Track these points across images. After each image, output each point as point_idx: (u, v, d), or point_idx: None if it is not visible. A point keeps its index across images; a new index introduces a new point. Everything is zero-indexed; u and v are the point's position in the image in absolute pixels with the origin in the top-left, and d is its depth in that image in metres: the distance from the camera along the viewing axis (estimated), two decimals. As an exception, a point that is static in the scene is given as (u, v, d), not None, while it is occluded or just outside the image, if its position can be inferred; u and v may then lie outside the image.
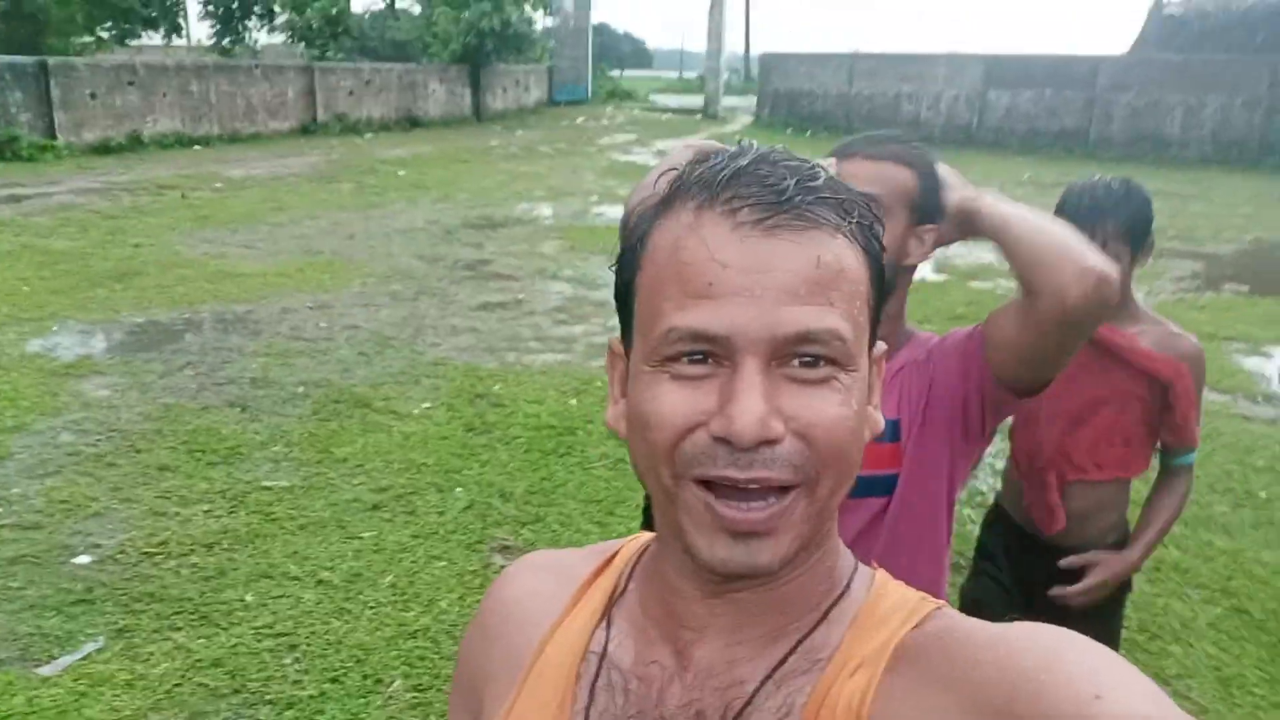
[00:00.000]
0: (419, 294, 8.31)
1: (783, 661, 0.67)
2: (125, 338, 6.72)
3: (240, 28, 37.58)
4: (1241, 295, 8.88)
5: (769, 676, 0.66)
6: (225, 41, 37.91)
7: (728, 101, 29.77)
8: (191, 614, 3.44)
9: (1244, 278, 9.58)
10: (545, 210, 13.15)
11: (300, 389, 5.78)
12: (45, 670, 3.09)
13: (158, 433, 5.02)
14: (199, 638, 3.28)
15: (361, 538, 4.02)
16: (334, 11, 28.31)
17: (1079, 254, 1.37)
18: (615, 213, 13.31)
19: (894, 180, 1.47)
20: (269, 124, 19.93)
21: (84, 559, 3.78)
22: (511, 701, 0.74)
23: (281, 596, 3.57)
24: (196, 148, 18.16)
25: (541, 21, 27.49)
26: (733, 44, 31.51)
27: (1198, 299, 8.65)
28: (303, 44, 28.11)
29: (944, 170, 1.54)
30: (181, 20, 39.50)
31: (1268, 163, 19.70)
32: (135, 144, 17.30)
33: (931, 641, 0.64)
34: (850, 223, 0.64)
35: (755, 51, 44.25)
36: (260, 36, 38.41)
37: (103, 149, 16.76)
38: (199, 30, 42.87)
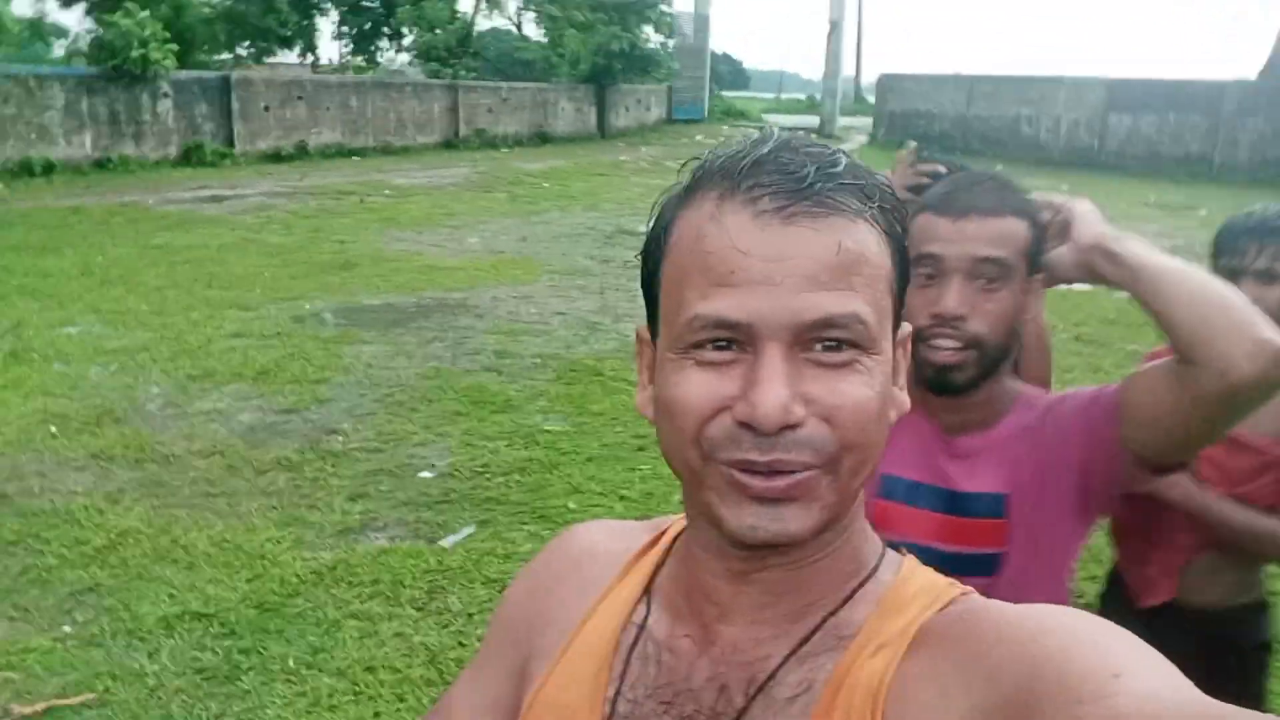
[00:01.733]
0: (603, 288, 9.19)
1: (806, 639, 0.68)
2: (372, 316, 7.73)
3: (373, 48, 39.56)
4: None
5: (792, 653, 0.68)
6: (360, 60, 39.93)
7: (842, 121, 30.37)
8: (531, 513, 4.30)
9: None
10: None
11: (537, 360, 6.67)
12: (444, 542, 3.98)
13: (438, 388, 5.96)
14: (545, 529, 4.14)
15: (640, 468, 4.85)
16: (461, 33, 29.85)
17: (1252, 324, 1.17)
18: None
19: (1015, 237, 1.30)
20: (417, 138, 21.27)
21: (427, 474, 4.68)
22: (557, 660, 0.77)
23: (596, 506, 4.41)
24: (355, 158, 19.56)
25: (662, 42, 28.51)
26: (843, 67, 32.17)
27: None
28: (434, 63, 29.62)
29: (1077, 204, 1.37)
30: (316, 40, 41.65)
31: (1401, 189, 19.54)
32: (302, 153, 18.75)
33: (953, 623, 0.65)
34: (872, 207, 0.64)
35: (865, 74, 44.92)
36: (390, 55, 40.35)
37: (274, 157, 18.23)
38: (329, 49, 45.08)
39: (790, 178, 0.62)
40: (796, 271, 0.61)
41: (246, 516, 4.11)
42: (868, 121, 30.90)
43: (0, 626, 3.22)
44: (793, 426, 0.61)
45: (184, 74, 17.27)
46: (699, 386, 0.63)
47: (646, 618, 0.75)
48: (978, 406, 1.38)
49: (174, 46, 16.59)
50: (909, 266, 0.69)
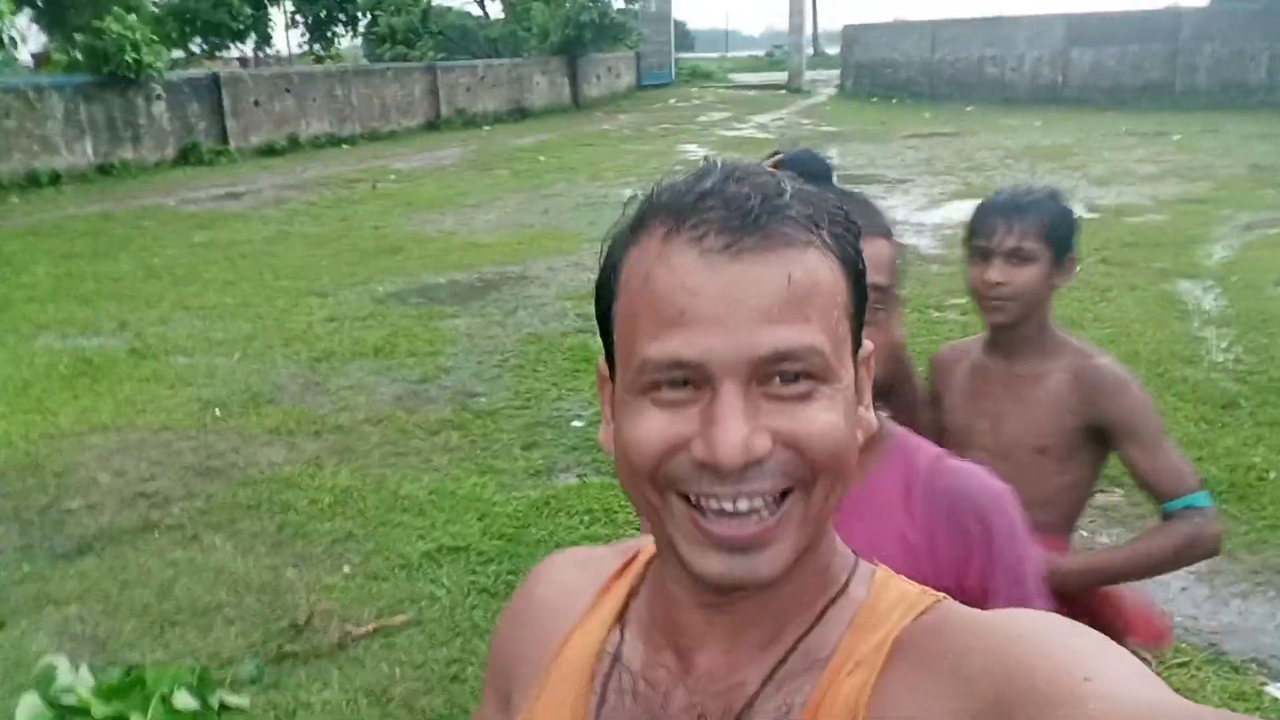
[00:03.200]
0: (645, 251, 9.64)
1: (781, 663, 0.68)
2: (445, 293, 8.13)
3: (329, 34, 39.26)
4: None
5: (768, 679, 0.67)
6: (315, 48, 39.61)
7: (809, 75, 30.80)
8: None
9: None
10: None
11: (620, 319, 7.13)
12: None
13: (545, 350, 6.41)
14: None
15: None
16: (420, 14, 29.86)
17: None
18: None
19: (885, 260, 1.24)
20: (401, 122, 21.45)
21: (578, 423, 5.15)
22: (535, 696, 0.76)
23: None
24: (344, 146, 19.73)
25: (628, 9, 28.73)
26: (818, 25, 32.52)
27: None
28: (400, 46, 29.60)
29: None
30: (270, 30, 41.20)
31: (1356, 102, 20.41)
32: (294, 145, 18.89)
33: (927, 634, 0.64)
34: (821, 234, 0.63)
35: (821, 27, 45.37)
36: (344, 42, 40.06)
37: (268, 151, 18.37)
38: (282, 39, 44.55)
39: (735, 213, 0.61)
40: (747, 307, 0.60)
41: (444, 469, 4.56)
42: (833, 74, 31.36)
43: (292, 572, 3.66)
44: (758, 461, 0.60)
45: (174, 75, 17.35)
46: (654, 425, 0.62)
47: (620, 646, 0.74)
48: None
49: (162, 48, 16.66)
50: (866, 286, 0.68)
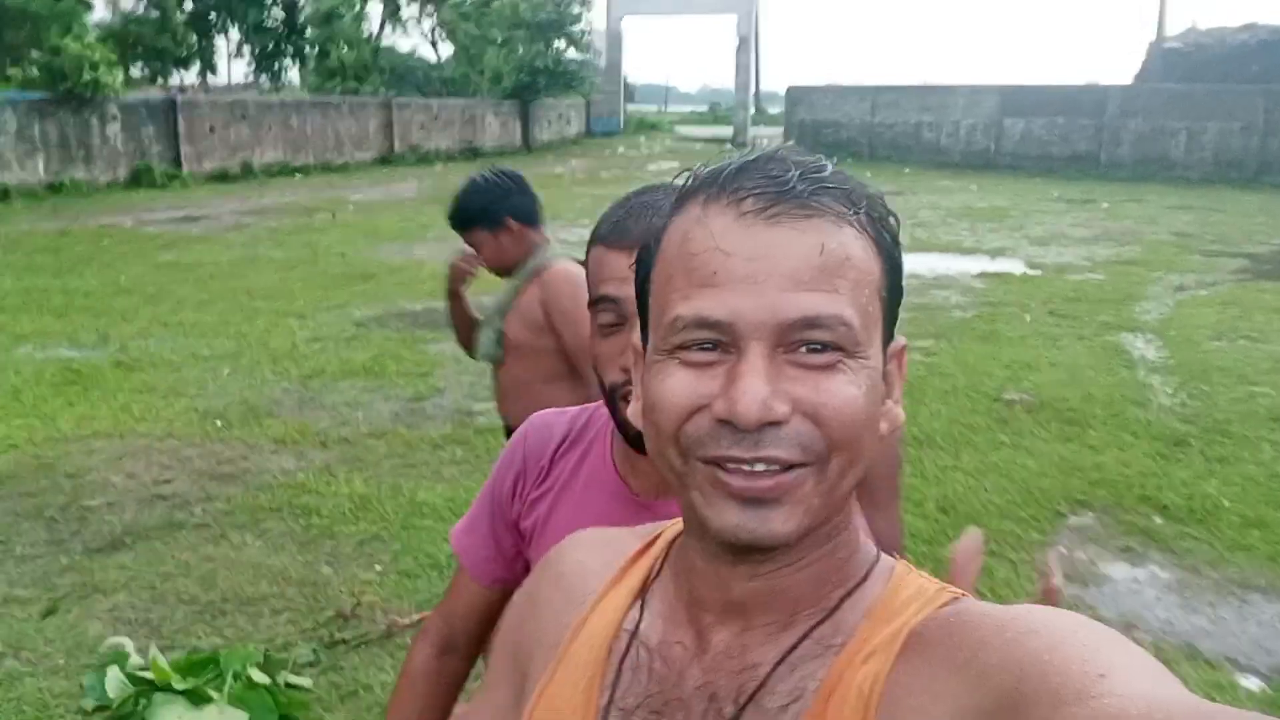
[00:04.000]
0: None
1: (795, 647, 0.68)
2: (423, 318, 8.28)
3: (277, 65, 39.16)
4: (1290, 283, 10.65)
5: (781, 660, 0.68)
6: (262, 79, 39.46)
7: (752, 131, 31.68)
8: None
9: (1286, 270, 11.38)
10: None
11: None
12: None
13: (533, 375, 6.60)
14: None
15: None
16: (369, 50, 30.08)
17: None
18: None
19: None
20: (355, 154, 21.55)
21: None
22: (551, 673, 0.77)
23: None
24: (298, 175, 19.76)
25: (580, 59, 29.32)
26: (731, 81, 33.51)
27: (1259, 285, 10.41)
28: (352, 81, 29.72)
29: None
30: (215, 60, 40.97)
31: (1264, 180, 21.76)
32: (248, 173, 18.87)
33: (941, 627, 0.64)
34: (859, 212, 0.64)
35: (765, 86, 46.71)
36: (293, 75, 39.98)
37: (221, 177, 18.33)
38: (226, 69, 44.29)
39: (774, 181, 0.63)
40: (778, 271, 0.61)
41: (455, 479, 4.73)
42: (775, 131, 32.30)
43: (327, 569, 3.79)
44: (775, 424, 0.61)
45: (130, 97, 17.27)
46: (680, 384, 0.63)
47: (639, 624, 0.75)
48: None
49: (119, 69, 16.60)
50: (902, 279, 0.68)
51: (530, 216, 2.78)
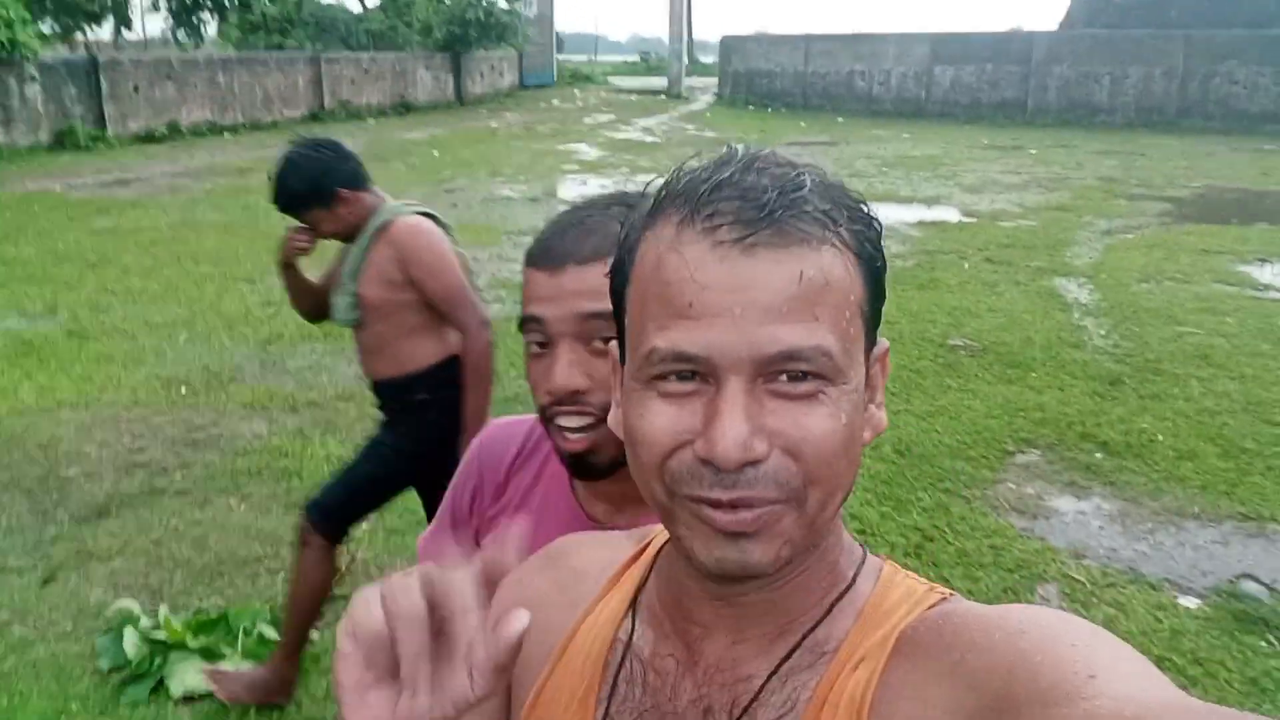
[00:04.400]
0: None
1: (787, 657, 0.68)
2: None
3: (196, 20, 37.86)
4: (1214, 225, 11.11)
5: (774, 672, 0.68)
6: (180, 35, 38.15)
7: (687, 82, 31.60)
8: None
9: (1207, 215, 11.85)
10: (594, 185, 14.81)
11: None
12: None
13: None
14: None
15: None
16: (280, 9, 29.24)
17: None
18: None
19: None
20: (284, 112, 21.09)
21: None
22: (544, 679, 0.77)
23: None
24: (226, 135, 19.29)
25: (510, 10, 28.90)
26: (662, 29, 33.38)
27: (1181, 228, 10.85)
28: (276, 35, 28.90)
29: None
30: (129, 14, 39.43)
31: (1183, 124, 22.46)
32: (175, 133, 18.38)
33: (931, 629, 0.65)
34: (838, 231, 0.63)
35: (697, 36, 46.51)
36: (210, 30, 38.66)
37: (147, 138, 17.83)
38: (141, 25, 42.63)
39: (750, 205, 0.61)
40: (756, 303, 0.60)
41: (429, 439, 4.83)
42: (709, 81, 32.26)
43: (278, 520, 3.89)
44: (755, 462, 0.61)
45: (49, 56, 16.67)
46: (661, 419, 0.63)
47: (632, 635, 0.75)
48: (632, 489, 1.22)
49: (39, 28, 15.99)
50: (884, 284, 0.67)
51: (358, 180, 2.76)
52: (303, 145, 2.76)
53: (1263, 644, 3.26)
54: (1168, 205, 12.36)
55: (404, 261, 2.67)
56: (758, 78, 28.34)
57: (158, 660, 2.89)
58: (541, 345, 1.08)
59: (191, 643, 2.93)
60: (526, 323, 1.09)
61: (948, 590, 0.69)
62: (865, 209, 0.66)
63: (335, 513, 2.88)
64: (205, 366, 5.91)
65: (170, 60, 19.04)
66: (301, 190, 2.69)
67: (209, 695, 2.84)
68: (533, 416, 1.26)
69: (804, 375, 0.61)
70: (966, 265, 8.94)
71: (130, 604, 3.16)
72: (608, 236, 1.04)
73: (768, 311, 0.60)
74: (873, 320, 0.66)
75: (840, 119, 25.05)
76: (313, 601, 2.89)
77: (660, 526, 0.78)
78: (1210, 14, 24.29)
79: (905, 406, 5.34)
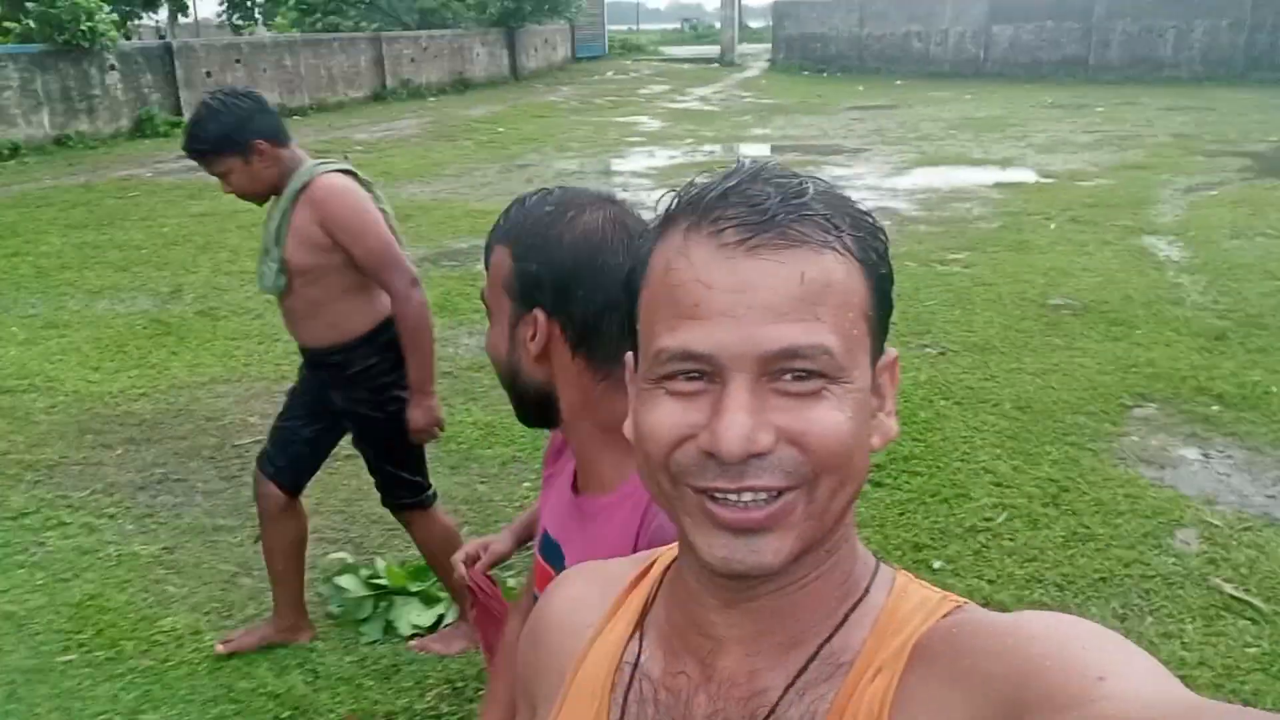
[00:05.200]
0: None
1: (804, 669, 0.68)
2: (470, 256, 8.56)
3: (250, 4, 38.37)
4: (1293, 179, 11.02)
5: (791, 685, 0.68)
6: (236, 18, 38.69)
7: (739, 49, 31.48)
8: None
9: (1288, 167, 11.74)
10: (662, 156, 14.93)
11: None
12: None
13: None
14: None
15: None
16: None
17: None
18: (741, 148, 15.24)
19: (496, 268, 1.24)
20: (348, 93, 21.43)
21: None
22: (557, 709, 0.78)
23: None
24: (295, 118, 19.64)
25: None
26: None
27: (1266, 183, 10.78)
28: (331, 16, 29.23)
29: None
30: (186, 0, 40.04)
31: (1253, 77, 22.02)
32: (246, 117, 18.80)
33: (946, 638, 0.65)
34: (841, 236, 0.65)
35: (744, 1, 46.28)
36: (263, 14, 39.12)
37: (221, 123, 18.27)
38: (195, 9, 43.32)
39: (754, 210, 0.63)
40: (759, 303, 0.62)
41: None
42: (761, 48, 32.11)
43: (483, 487, 4.18)
44: (759, 455, 0.62)
45: (127, 45, 17.12)
46: (667, 415, 0.65)
47: (640, 656, 0.75)
48: (588, 460, 1.23)
49: (115, 17, 16.44)
50: (890, 294, 0.69)
51: (279, 135, 2.63)
52: (223, 93, 2.63)
53: (1405, 581, 3.41)
54: (1247, 160, 12.25)
55: (327, 224, 2.58)
56: (812, 42, 28.18)
57: (381, 604, 3.18)
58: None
59: (412, 586, 3.22)
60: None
61: (961, 598, 0.70)
62: (870, 219, 0.68)
63: (400, 488, 3.03)
64: (336, 341, 6.22)
65: (239, 44, 19.45)
66: (216, 137, 2.55)
67: (433, 628, 3.15)
68: None
69: (807, 375, 0.62)
70: (1053, 226, 8.99)
71: (345, 555, 3.45)
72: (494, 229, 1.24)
73: (770, 310, 0.62)
74: (879, 327, 0.68)
75: (898, 81, 24.86)
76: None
77: (663, 549, 0.82)
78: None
79: (1018, 365, 5.49)
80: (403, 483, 3.00)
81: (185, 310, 6.97)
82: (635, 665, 0.75)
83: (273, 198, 2.71)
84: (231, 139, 2.55)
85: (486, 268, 1.24)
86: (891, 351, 0.70)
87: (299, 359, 3.01)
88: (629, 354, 0.74)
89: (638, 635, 0.77)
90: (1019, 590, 3.43)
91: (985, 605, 2.82)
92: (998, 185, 11.15)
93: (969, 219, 9.46)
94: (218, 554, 3.65)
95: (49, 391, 5.33)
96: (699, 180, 0.69)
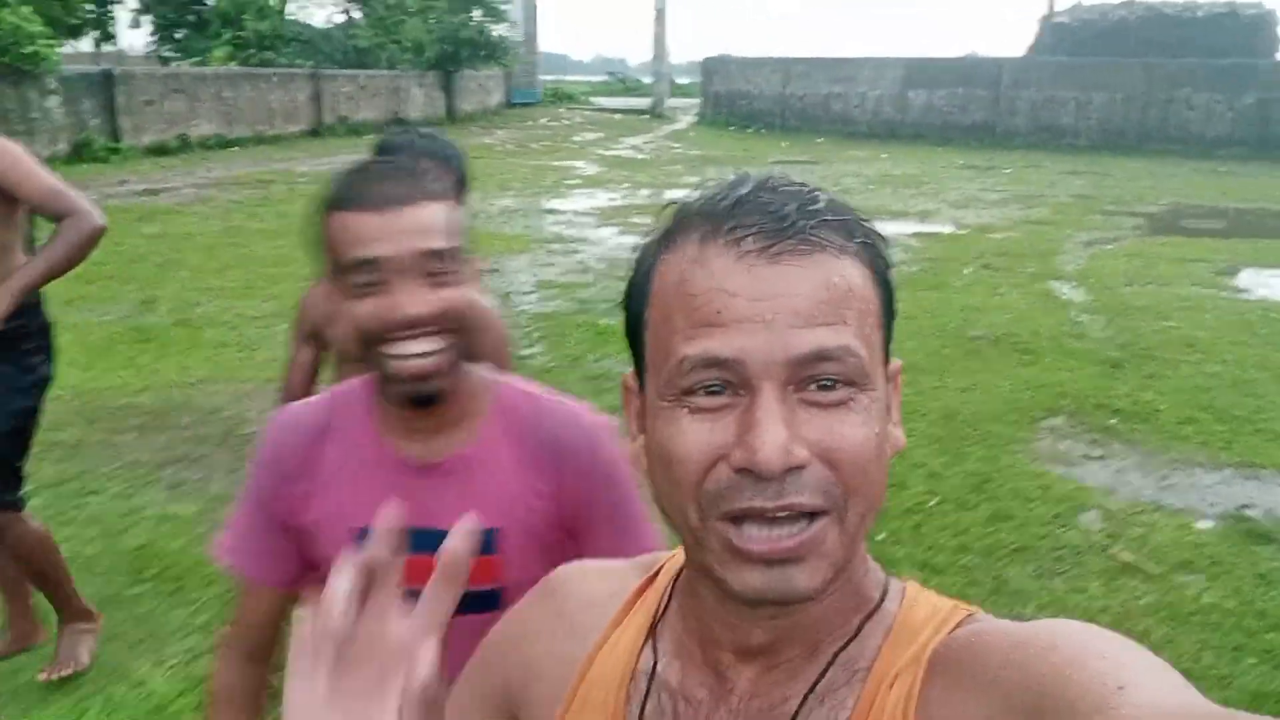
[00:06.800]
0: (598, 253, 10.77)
1: (821, 676, 0.68)
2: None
3: (177, 37, 38.17)
4: (1185, 237, 12.12)
5: (810, 692, 0.68)
6: (165, 51, 38.45)
7: (670, 102, 32.58)
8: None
9: (1177, 229, 12.88)
10: (602, 197, 15.56)
11: (607, 304, 8.22)
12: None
13: (559, 325, 7.46)
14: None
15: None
16: (270, 26, 29.81)
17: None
18: (671, 193, 15.93)
19: (445, 223, 1.20)
20: (286, 127, 21.70)
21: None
22: (561, 714, 0.76)
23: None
24: (235, 148, 19.84)
25: (498, 30, 29.72)
26: (642, 54, 34.44)
27: (1157, 239, 11.86)
28: (266, 51, 29.39)
29: None
30: (113, 29, 39.61)
31: (1146, 147, 23.76)
32: (185, 145, 18.92)
33: (963, 647, 0.65)
34: (856, 243, 0.65)
35: (675, 58, 47.79)
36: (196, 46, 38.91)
37: (159, 150, 18.35)
38: (128, 38, 42.70)
39: (772, 217, 0.62)
40: (786, 309, 0.61)
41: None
42: (689, 102, 33.26)
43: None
44: (797, 469, 0.60)
45: (68, 70, 17.18)
46: (694, 436, 0.62)
47: (655, 666, 0.74)
48: (455, 417, 1.26)
49: (58, 42, 16.52)
50: (894, 302, 0.68)
51: None
52: None
53: (1266, 550, 4.10)
54: (1140, 220, 13.40)
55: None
56: (738, 99, 29.35)
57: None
58: (371, 284, 1.15)
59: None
60: (358, 267, 1.15)
61: (971, 607, 0.71)
62: (873, 228, 0.68)
63: (7, 474, 2.78)
64: (315, 351, 6.59)
65: (180, 75, 19.63)
66: None
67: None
68: (320, 396, 1.37)
69: (834, 384, 0.62)
70: (967, 270, 9.83)
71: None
72: (425, 178, 1.20)
73: (798, 315, 0.61)
74: (887, 336, 0.68)
75: (819, 139, 26.07)
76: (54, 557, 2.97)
77: (669, 554, 0.81)
78: (1166, 44, 25.66)
79: (941, 383, 6.17)
80: (13, 473, 2.80)
81: (162, 320, 7.26)
82: (651, 676, 0.74)
83: None
84: None
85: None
86: (896, 361, 0.70)
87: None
88: (626, 374, 0.73)
89: (650, 644, 0.75)
90: (951, 556, 4.02)
91: (923, 569, 3.42)
92: (917, 234, 12.01)
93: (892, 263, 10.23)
94: (250, 517, 4.02)
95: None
96: (701, 191, 0.68)
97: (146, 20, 39.45)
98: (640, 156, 21.74)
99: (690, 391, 0.63)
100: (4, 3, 15.70)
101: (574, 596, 0.82)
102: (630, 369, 0.73)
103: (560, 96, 34.83)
